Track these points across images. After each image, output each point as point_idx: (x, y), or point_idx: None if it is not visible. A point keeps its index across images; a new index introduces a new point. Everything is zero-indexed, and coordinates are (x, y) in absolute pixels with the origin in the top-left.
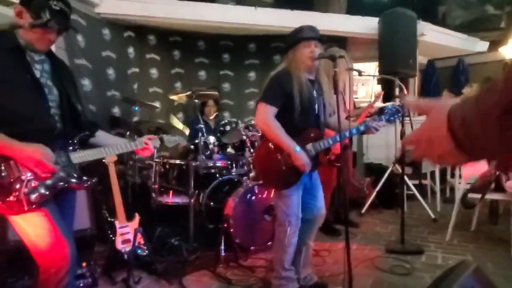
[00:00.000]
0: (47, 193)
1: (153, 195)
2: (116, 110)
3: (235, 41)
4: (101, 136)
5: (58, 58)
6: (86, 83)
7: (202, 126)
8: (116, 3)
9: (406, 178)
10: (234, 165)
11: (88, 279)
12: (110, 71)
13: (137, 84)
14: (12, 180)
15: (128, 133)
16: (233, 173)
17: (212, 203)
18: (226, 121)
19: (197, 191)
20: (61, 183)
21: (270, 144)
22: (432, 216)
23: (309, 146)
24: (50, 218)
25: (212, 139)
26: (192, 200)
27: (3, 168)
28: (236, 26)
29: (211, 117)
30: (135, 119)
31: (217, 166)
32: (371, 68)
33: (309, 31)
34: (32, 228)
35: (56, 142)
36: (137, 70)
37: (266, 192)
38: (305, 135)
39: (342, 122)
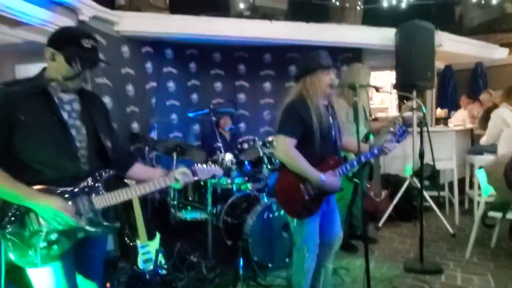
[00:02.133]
0: (66, 246)
1: (172, 210)
2: (135, 126)
3: (250, 52)
4: (137, 170)
5: (89, 92)
6: (107, 101)
7: (220, 144)
8: (134, 21)
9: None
10: (251, 181)
11: None
12: (129, 87)
13: (154, 98)
14: (31, 232)
15: (146, 148)
16: (250, 189)
17: (229, 219)
18: (244, 138)
19: (214, 207)
20: (82, 234)
21: (291, 175)
22: (451, 231)
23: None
24: (60, 275)
25: (229, 156)
26: (210, 217)
27: (24, 220)
28: (251, 39)
29: (226, 129)
30: (152, 134)
31: (235, 182)
32: (387, 76)
33: (327, 59)
34: (42, 284)
35: (81, 186)
36: (154, 84)
37: (282, 209)
38: (325, 164)
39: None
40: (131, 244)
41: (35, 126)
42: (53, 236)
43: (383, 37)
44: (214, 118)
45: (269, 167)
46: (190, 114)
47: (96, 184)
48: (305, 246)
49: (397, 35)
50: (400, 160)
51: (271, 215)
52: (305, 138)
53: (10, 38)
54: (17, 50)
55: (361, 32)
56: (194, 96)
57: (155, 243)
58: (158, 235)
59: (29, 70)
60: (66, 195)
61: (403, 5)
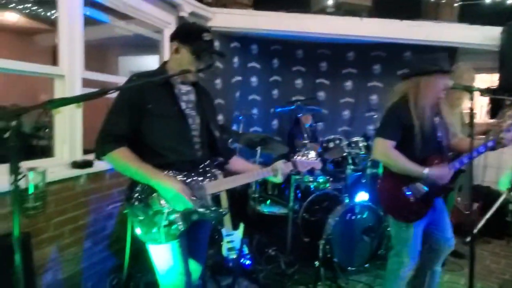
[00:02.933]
0: (184, 227)
1: (252, 203)
2: (220, 117)
3: (333, 50)
4: (236, 162)
5: (201, 85)
6: None
7: (306, 141)
8: (226, 17)
9: None
10: (332, 180)
11: (199, 281)
12: (218, 81)
13: (239, 92)
14: (155, 211)
15: (230, 140)
16: (330, 188)
17: (309, 216)
18: (330, 137)
19: (295, 203)
20: (196, 216)
21: (394, 178)
22: None
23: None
24: (177, 253)
25: (313, 154)
26: (291, 213)
27: (148, 200)
28: (337, 36)
29: (306, 126)
30: (234, 127)
31: (317, 181)
32: (483, 79)
33: (447, 63)
34: (160, 260)
35: (195, 171)
36: (240, 78)
37: (366, 212)
38: (429, 164)
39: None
40: (218, 230)
41: (160, 114)
42: (173, 217)
43: (485, 36)
44: (300, 115)
45: (351, 167)
46: (277, 110)
47: (209, 171)
48: (404, 252)
49: (503, 34)
50: (493, 170)
51: (353, 217)
52: (405, 141)
53: (123, 31)
54: (119, 43)
55: (460, 30)
56: (275, 92)
57: (239, 233)
58: (242, 226)
59: (130, 61)
60: (184, 179)
61: (510, 1)
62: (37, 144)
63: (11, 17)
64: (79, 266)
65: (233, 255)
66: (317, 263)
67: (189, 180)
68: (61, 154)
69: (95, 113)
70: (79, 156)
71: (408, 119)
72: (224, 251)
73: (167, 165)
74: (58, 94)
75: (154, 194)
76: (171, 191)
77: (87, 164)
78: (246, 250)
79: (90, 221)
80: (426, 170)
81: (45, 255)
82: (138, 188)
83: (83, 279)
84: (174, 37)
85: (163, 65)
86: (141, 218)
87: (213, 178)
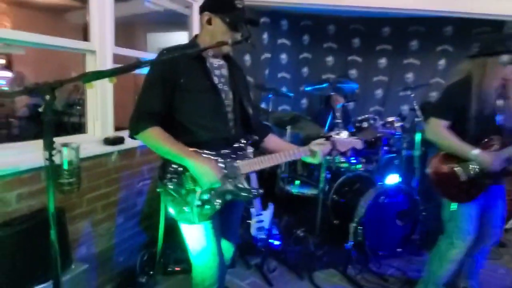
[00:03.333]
0: (217, 206)
1: (281, 183)
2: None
3: (367, 25)
4: (271, 141)
5: (233, 60)
6: None
7: (339, 120)
8: None
9: None
10: (364, 161)
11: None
12: (247, 57)
13: (268, 69)
14: (187, 190)
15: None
16: (361, 169)
17: (339, 198)
18: (364, 117)
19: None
20: (230, 196)
21: (444, 157)
22: None
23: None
24: (210, 233)
25: (345, 134)
26: (321, 194)
27: (181, 179)
28: (373, 10)
29: (338, 106)
30: (263, 105)
31: (349, 162)
32: None
33: None
34: (193, 240)
35: (228, 149)
36: (269, 55)
37: (400, 195)
38: (485, 144)
39: None
40: (247, 209)
41: (192, 89)
42: (206, 196)
43: None
44: (332, 93)
45: (385, 149)
46: (307, 89)
47: (243, 149)
48: (455, 234)
49: None
50: None
51: (386, 200)
52: (459, 122)
53: (152, 7)
54: (148, 19)
55: (509, 2)
56: (305, 70)
57: (268, 213)
58: (271, 206)
59: (158, 38)
60: (217, 158)
61: None
62: (68, 121)
63: None
64: (112, 241)
65: (262, 235)
66: (348, 245)
67: (222, 159)
68: (93, 131)
69: (124, 91)
70: (110, 133)
71: (465, 100)
72: (253, 231)
73: (199, 143)
74: (90, 69)
75: (187, 173)
76: (203, 170)
77: (119, 140)
78: (275, 230)
79: (121, 198)
80: (475, 151)
81: (79, 229)
82: (171, 167)
83: (115, 253)
84: (204, 7)
85: (194, 38)
86: (173, 197)
87: (246, 157)
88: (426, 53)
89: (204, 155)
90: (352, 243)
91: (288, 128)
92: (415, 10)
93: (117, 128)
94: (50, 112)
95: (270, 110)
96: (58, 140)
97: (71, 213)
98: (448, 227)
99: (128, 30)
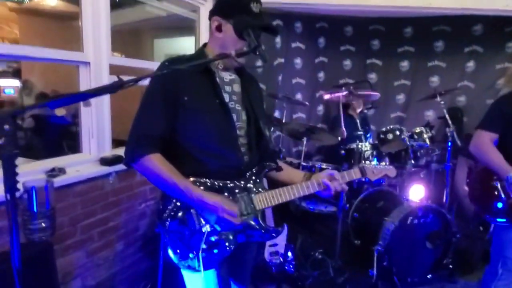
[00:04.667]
0: (227, 250)
1: (296, 199)
2: None
3: (387, 25)
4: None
5: (247, 72)
6: None
7: (361, 133)
8: None
9: None
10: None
11: None
12: (258, 63)
13: (281, 75)
14: (192, 230)
15: (272, 129)
16: (385, 184)
17: (360, 216)
18: (389, 128)
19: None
20: (244, 237)
21: (485, 170)
22: None
23: None
24: (217, 283)
25: (367, 146)
26: (341, 212)
27: (184, 217)
28: (395, 9)
29: (357, 113)
30: (276, 113)
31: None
32: None
33: None
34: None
35: (242, 182)
36: (282, 60)
37: (430, 215)
38: None
39: None
40: None
41: (198, 108)
42: (214, 238)
43: None
44: (353, 102)
45: (413, 162)
46: (325, 96)
47: (257, 180)
48: (500, 261)
49: None
50: None
51: (415, 221)
52: (508, 135)
53: (157, 11)
54: (153, 25)
55: None
56: (321, 75)
57: (283, 236)
58: (285, 227)
59: (165, 43)
60: (227, 192)
61: None
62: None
63: (50, 1)
64: (111, 270)
65: (276, 260)
66: (372, 272)
67: (233, 192)
68: (89, 150)
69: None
70: (108, 151)
71: None
72: (267, 256)
73: (206, 173)
74: (83, 82)
75: (192, 210)
76: (216, 212)
77: (117, 160)
78: (290, 255)
79: (121, 222)
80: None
81: (72, 261)
82: (172, 201)
83: (115, 284)
84: (214, 11)
85: (202, 48)
86: (175, 239)
87: (261, 189)
88: (452, 54)
89: (213, 189)
90: (377, 270)
91: (304, 140)
92: (441, 8)
93: (116, 142)
94: (12, 145)
95: (284, 120)
96: (45, 163)
97: (62, 244)
98: (492, 253)
99: (133, 37)
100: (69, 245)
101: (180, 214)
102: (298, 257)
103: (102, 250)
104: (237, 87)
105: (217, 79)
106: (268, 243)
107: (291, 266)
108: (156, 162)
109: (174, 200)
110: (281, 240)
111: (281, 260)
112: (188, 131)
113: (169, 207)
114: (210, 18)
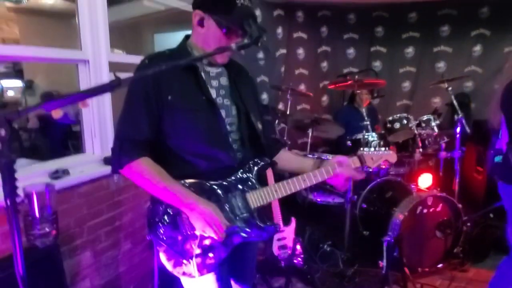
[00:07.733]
0: (223, 254)
1: (302, 191)
2: (264, 97)
3: (391, 11)
4: (282, 158)
5: (235, 63)
6: None
7: (368, 123)
8: None
9: None
10: (394, 165)
11: None
12: (260, 55)
13: (284, 66)
14: (184, 235)
15: (276, 121)
16: (392, 174)
17: (369, 207)
18: (396, 116)
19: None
20: (239, 238)
21: None
22: None
23: None
24: (216, 285)
25: (374, 136)
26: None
27: (176, 222)
28: None
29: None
30: (280, 105)
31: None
32: None
33: None
34: None
35: (233, 180)
36: (284, 51)
37: (440, 204)
38: None
39: None
40: None
41: (183, 107)
42: (208, 242)
43: None
44: (358, 91)
45: (421, 151)
46: (330, 87)
47: (250, 177)
48: None
49: None
50: None
51: (425, 211)
52: None
53: (155, 5)
54: (155, 19)
55: None
56: (324, 64)
57: (290, 229)
58: (293, 221)
59: (166, 38)
60: (218, 191)
61: None
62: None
63: (48, 0)
64: (119, 269)
65: (285, 254)
66: (382, 264)
67: (225, 192)
68: (92, 149)
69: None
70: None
71: None
72: (275, 250)
73: (197, 175)
74: (83, 81)
75: (184, 214)
76: (205, 217)
77: None
78: (299, 248)
79: (127, 221)
80: None
81: (80, 262)
82: (162, 206)
83: (124, 283)
84: (197, 4)
85: (184, 41)
86: (167, 245)
87: (256, 186)
88: (459, 39)
89: (202, 189)
90: (387, 261)
91: (309, 131)
92: None
93: None
94: (8, 151)
95: (288, 112)
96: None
97: (69, 246)
98: (510, 243)
99: (134, 32)
100: (76, 246)
101: (171, 219)
102: (306, 250)
103: (110, 249)
104: (224, 81)
105: (202, 73)
106: (276, 236)
107: (300, 259)
108: (145, 166)
109: (164, 205)
110: (289, 233)
111: (290, 253)
112: (175, 132)
113: (159, 212)
114: (193, 10)
